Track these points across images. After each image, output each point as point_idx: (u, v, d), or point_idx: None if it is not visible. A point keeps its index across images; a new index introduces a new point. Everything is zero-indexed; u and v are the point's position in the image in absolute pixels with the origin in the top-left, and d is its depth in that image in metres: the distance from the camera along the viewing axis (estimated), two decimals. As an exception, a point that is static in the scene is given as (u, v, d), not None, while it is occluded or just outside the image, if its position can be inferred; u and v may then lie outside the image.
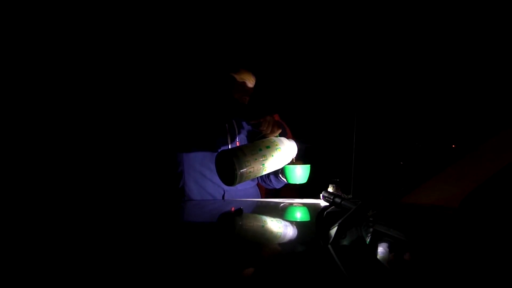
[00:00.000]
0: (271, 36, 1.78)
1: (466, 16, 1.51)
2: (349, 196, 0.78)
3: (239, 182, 0.89)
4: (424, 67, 1.63)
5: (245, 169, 0.88)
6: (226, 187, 1.17)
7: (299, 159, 1.07)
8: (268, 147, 0.95)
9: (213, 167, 1.01)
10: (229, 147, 1.19)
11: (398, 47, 1.66)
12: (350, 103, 1.68)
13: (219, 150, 1.11)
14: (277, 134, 1.06)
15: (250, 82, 1.21)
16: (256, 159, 0.90)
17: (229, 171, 0.88)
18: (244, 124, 1.25)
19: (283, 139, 1.02)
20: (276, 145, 0.97)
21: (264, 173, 0.96)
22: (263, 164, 0.92)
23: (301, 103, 1.85)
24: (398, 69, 1.68)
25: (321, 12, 1.73)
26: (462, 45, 1.53)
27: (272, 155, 0.95)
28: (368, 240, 0.44)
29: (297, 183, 1.05)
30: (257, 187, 1.29)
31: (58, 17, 1.51)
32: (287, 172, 1.05)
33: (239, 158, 0.87)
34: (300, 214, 0.85)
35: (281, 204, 0.96)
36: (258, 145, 0.95)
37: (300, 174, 1.04)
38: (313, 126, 1.83)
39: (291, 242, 0.57)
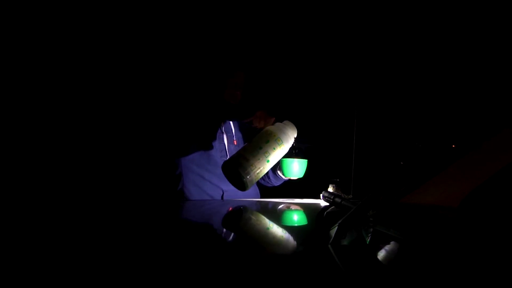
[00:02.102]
0: (269, 32, 1.77)
1: (466, 16, 1.50)
2: (349, 196, 0.78)
3: (252, 185, 0.93)
4: (424, 67, 1.62)
5: (252, 174, 0.90)
6: (224, 187, 1.17)
7: (298, 154, 1.07)
8: (267, 141, 0.95)
9: (210, 168, 1.02)
10: (226, 146, 1.20)
11: (398, 46, 1.66)
12: (350, 103, 1.68)
13: (218, 154, 1.12)
14: (271, 123, 1.06)
15: (240, 80, 1.22)
16: (259, 160, 0.92)
17: (238, 180, 0.91)
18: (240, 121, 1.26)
19: (280, 125, 1.02)
20: (275, 135, 0.97)
21: (272, 165, 0.98)
22: (268, 160, 0.94)
23: (300, 102, 1.85)
24: (399, 68, 1.68)
25: (321, 9, 1.73)
26: (461, 45, 1.53)
27: (274, 148, 0.95)
28: (368, 240, 0.44)
29: (294, 177, 1.06)
30: (256, 186, 1.29)
31: (54, 15, 1.50)
32: (284, 165, 1.05)
33: (243, 166, 0.89)
34: (300, 214, 0.85)
35: (281, 204, 0.96)
36: (258, 143, 0.95)
37: (297, 168, 1.04)
38: (312, 125, 1.83)
39: (291, 242, 0.57)
